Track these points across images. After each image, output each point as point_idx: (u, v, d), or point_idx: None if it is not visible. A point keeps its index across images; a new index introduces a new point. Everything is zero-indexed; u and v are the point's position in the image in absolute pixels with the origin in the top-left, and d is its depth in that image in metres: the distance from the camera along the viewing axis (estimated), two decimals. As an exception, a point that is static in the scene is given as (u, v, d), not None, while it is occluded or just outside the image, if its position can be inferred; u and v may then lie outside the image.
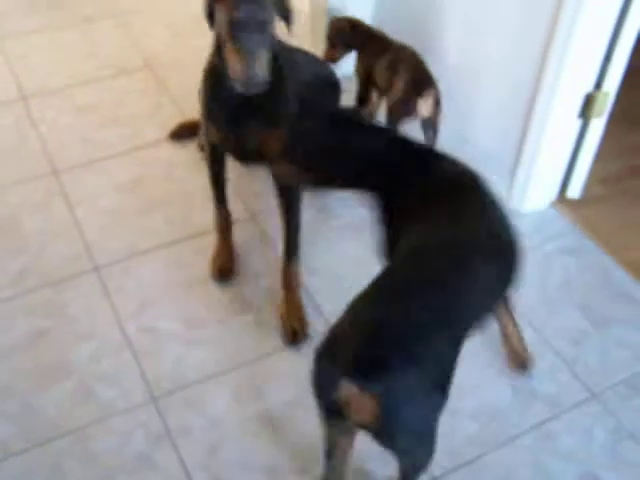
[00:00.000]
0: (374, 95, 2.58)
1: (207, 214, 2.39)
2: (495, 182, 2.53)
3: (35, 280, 2.24)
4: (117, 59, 3.15)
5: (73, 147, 2.70)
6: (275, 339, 2.09)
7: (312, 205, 2.48)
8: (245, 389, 1.98)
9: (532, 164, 2.37)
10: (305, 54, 2.44)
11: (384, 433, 1.39)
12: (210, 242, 2.33)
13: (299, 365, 2.02)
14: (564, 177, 2.48)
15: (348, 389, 1.32)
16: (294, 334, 2.09)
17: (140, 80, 3.04)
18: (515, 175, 2.45)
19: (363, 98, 2.58)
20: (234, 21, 1.80)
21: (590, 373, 2.04)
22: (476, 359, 2.05)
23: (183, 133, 2.75)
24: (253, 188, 2.55)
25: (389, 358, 1.31)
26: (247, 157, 2.19)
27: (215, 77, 1.99)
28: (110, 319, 2.13)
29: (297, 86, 2.11)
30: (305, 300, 2.18)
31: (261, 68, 1.82)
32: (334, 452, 1.61)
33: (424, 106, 2.30)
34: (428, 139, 2.42)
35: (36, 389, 1.96)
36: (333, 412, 1.42)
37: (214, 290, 2.22)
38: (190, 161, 2.65)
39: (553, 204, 2.52)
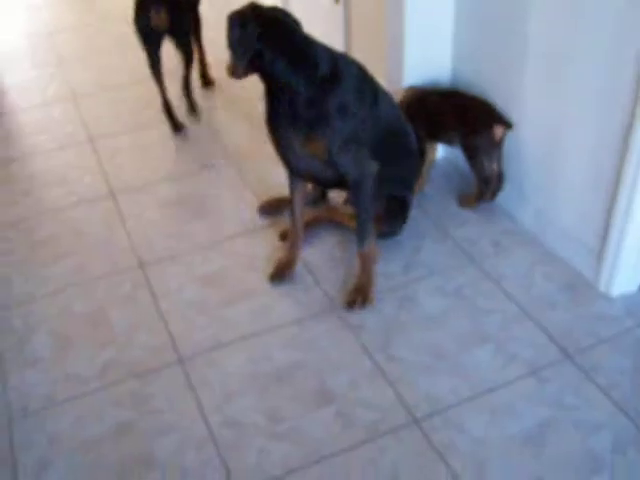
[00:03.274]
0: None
1: (289, 306, 2.42)
2: (581, 264, 2.49)
3: (121, 372, 2.28)
4: (202, 156, 3.27)
5: (158, 241, 2.80)
6: (358, 433, 2.05)
7: (395, 297, 2.48)
8: (329, 484, 1.94)
9: (619, 245, 2.30)
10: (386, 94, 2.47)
11: None
12: (295, 333, 2.34)
13: (382, 458, 1.98)
14: (654, 258, 2.40)
15: None
16: (351, 303, 2.42)
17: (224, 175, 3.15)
18: (602, 258, 2.38)
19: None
20: None
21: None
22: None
23: (271, 208, 2.88)
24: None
25: None
26: (298, 164, 2.37)
27: None
28: (194, 412, 2.14)
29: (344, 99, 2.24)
30: (386, 389, 2.15)
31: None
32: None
33: (498, 131, 2.66)
34: (497, 162, 2.72)
35: (120, 484, 1.97)
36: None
37: (299, 383, 2.21)
38: (270, 255, 2.69)
39: (644, 286, 2.43)
